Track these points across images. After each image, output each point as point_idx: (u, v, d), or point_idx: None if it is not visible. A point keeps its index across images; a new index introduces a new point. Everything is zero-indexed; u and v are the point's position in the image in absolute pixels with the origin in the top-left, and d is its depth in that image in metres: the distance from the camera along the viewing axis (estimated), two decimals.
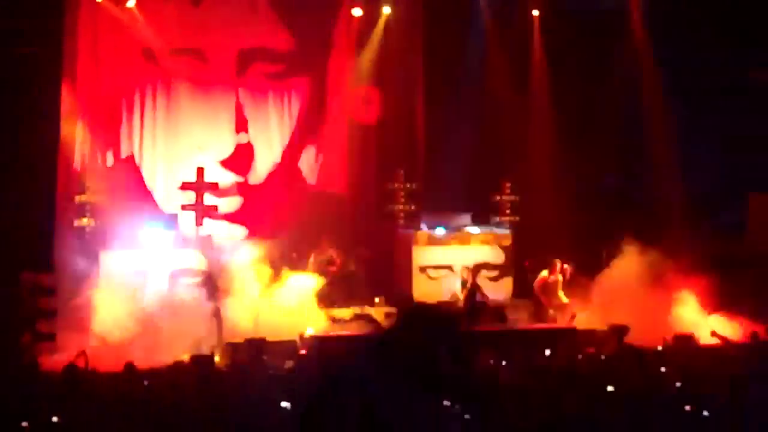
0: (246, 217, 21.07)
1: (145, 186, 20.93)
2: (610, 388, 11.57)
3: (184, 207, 20.45)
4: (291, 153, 21.94)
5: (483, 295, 19.35)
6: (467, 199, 21.51)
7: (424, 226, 20.80)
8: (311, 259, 19.64)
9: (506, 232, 21.30)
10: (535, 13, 22.43)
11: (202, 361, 15.52)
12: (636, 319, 17.49)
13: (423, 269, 20.71)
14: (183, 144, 21.19)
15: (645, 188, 21.71)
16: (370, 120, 22.12)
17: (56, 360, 15.61)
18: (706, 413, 10.16)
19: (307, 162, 22.11)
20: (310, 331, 17.63)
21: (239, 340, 17.32)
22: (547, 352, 15.88)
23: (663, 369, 13.76)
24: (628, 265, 19.22)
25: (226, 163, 21.49)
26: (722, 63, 21.31)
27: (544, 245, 20.51)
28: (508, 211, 21.74)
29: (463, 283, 19.36)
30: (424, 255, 20.78)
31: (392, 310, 19.43)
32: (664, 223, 20.65)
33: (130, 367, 14.03)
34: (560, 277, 19.73)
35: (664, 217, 20.86)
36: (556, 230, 20.67)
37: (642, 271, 19.16)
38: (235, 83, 21.57)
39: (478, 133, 21.83)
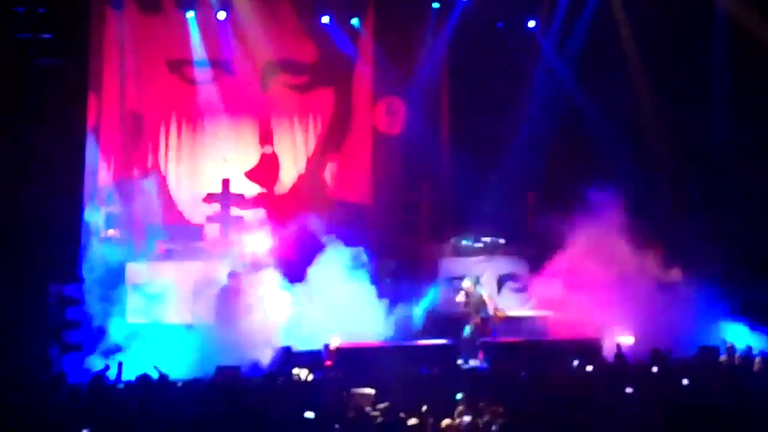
0: (271, 228, 21.08)
1: (170, 197, 21.04)
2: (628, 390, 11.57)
3: (209, 218, 20.57)
4: (315, 164, 22.01)
5: (496, 308, 18.75)
6: (492, 210, 21.42)
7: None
8: None
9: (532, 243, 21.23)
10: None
11: (227, 373, 15.53)
12: (662, 331, 17.43)
13: (448, 281, 20.64)
14: (208, 155, 21.31)
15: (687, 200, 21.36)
16: (394, 130, 22.15)
17: (84, 371, 15.71)
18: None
19: (332, 173, 22.16)
20: (334, 342, 17.60)
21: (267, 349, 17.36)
22: (576, 363, 15.80)
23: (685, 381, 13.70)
24: (657, 278, 19.10)
25: (251, 175, 21.57)
26: None
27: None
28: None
29: (467, 294, 18.74)
30: (449, 267, 20.72)
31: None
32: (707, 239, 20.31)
33: (162, 377, 14.11)
34: None
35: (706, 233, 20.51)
36: None
37: (673, 286, 19.06)
38: (260, 94, 21.67)
39: (504, 145, 21.80)
